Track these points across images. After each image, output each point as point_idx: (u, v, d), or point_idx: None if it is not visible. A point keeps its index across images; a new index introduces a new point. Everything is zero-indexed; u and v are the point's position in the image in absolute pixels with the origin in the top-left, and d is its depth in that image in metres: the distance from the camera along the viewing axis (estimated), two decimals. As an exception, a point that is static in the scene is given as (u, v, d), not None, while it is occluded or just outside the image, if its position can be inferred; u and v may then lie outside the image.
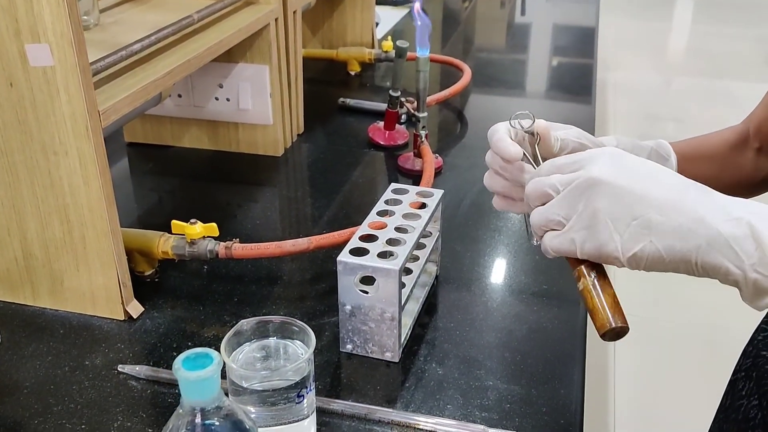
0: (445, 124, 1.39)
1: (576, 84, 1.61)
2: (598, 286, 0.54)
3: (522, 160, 0.62)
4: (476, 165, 1.19)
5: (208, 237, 0.84)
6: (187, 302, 0.84)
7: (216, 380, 0.49)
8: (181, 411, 0.50)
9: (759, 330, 0.76)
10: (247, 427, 0.52)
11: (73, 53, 0.67)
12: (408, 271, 0.80)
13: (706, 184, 0.59)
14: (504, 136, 0.61)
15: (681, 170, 0.67)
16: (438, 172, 1.14)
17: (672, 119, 3.82)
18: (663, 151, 0.73)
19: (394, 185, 0.85)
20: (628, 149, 0.62)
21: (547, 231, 0.55)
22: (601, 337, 0.53)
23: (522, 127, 0.62)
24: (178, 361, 0.49)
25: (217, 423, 0.50)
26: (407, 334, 0.78)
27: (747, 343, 0.78)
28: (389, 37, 1.69)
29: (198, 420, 0.50)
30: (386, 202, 0.82)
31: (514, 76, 1.71)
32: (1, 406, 0.69)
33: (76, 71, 0.68)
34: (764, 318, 0.76)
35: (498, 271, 0.91)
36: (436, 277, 0.88)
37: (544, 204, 0.56)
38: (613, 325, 0.52)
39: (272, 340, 0.65)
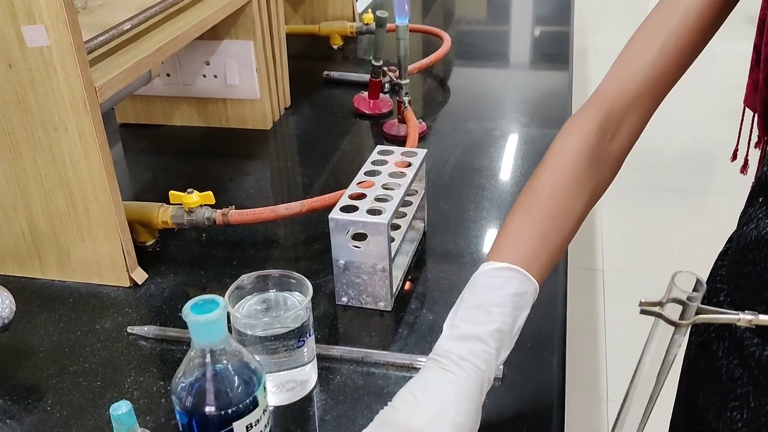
0: (428, 92, 1.43)
1: (554, 52, 1.65)
2: None
3: None
4: (459, 129, 1.23)
5: (205, 205, 0.88)
6: (188, 268, 0.88)
7: (223, 323, 0.54)
8: (192, 354, 0.55)
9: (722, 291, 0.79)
10: (254, 367, 0.57)
11: (68, 33, 0.71)
12: (396, 227, 0.84)
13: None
14: None
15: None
16: (422, 137, 1.18)
17: (654, 82, 3.87)
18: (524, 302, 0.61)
19: (380, 147, 0.89)
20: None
21: None
22: None
23: None
24: (187, 307, 0.54)
25: (225, 362, 0.55)
26: (398, 285, 0.83)
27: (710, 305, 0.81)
28: (369, 10, 1.72)
29: (208, 360, 0.55)
30: (373, 163, 0.86)
31: (494, 45, 1.75)
32: (20, 369, 0.73)
33: (72, 50, 0.72)
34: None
35: (482, 225, 0.95)
36: (424, 233, 0.93)
37: None
38: None
39: (272, 293, 0.69)
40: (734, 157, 0.81)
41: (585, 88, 3.73)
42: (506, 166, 1.11)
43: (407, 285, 0.84)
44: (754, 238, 0.66)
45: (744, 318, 0.52)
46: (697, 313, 0.52)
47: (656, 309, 0.52)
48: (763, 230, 0.66)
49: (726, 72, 3.31)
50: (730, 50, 2.77)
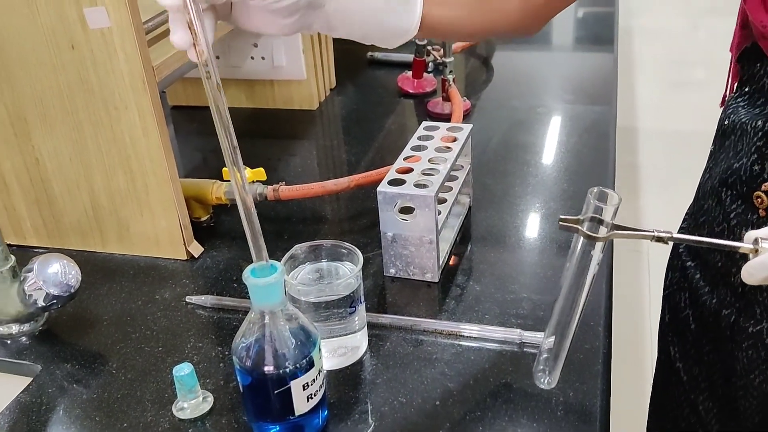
0: (471, 72, 1.44)
1: (599, 32, 1.64)
2: None
3: None
4: (503, 107, 1.24)
5: (257, 181, 0.91)
6: (241, 242, 0.91)
7: (281, 286, 0.57)
8: (252, 316, 0.58)
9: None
10: (309, 330, 0.60)
11: (128, 14, 0.74)
12: (442, 201, 0.86)
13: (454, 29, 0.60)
14: None
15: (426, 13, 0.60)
16: (466, 115, 1.19)
17: (700, 63, 3.79)
18: None
19: (425, 123, 0.91)
20: None
21: None
22: None
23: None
24: (247, 271, 0.56)
25: (283, 324, 0.58)
26: (445, 257, 0.84)
27: (670, 257, 0.81)
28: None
29: (267, 322, 0.57)
30: (419, 138, 0.88)
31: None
32: (86, 336, 0.77)
33: (131, 31, 0.75)
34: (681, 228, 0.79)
35: (528, 200, 0.96)
36: (470, 208, 0.94)
37: None
38: None
39: (324, 263, 0.72)
40: (722, 103, 0.78)
41: (631, 70, 3.68)
42: (551, 142, 1.11)
43: (453, 259, 0.86)
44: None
45: (658, 234, 0.53)
46: (613, 230, 0.53)
47: (575, 225, 0.53)
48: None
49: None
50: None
